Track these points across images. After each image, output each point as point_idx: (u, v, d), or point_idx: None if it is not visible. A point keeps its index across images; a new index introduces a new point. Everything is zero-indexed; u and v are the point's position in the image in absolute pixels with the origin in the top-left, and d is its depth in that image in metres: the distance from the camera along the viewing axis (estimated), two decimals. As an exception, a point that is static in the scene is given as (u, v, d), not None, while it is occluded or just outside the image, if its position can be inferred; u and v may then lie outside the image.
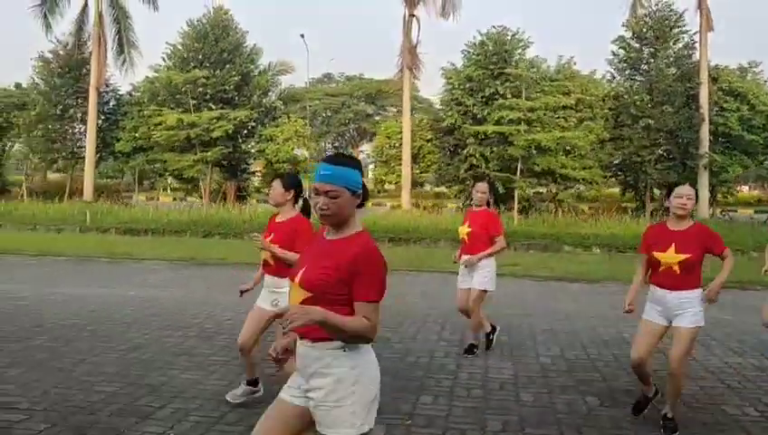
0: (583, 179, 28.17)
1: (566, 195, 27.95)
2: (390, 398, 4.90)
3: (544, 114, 24.86)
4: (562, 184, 28.01)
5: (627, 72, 29.27)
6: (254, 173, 35.73)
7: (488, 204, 6.72)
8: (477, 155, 26.99)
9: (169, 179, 39.26)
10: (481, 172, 26.65)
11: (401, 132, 32.01)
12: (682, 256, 4.31)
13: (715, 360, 6.54)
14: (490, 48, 27.89)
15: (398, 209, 27.63)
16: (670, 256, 4.33)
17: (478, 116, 27.42)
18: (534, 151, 23.36)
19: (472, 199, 7.28)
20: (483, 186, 6.74)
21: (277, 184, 4.73)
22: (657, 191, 28.13)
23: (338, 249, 2.55)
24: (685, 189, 4.46)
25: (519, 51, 28.75)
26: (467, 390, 5.40)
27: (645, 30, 28.37)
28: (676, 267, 4.33)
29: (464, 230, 6.63)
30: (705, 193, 27.58)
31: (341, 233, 2.61)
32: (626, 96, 28.35)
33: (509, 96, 26.60)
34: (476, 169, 27.02)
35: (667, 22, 28.37)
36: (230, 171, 32.40)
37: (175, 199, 36.81)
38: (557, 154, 24.29)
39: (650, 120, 26.63)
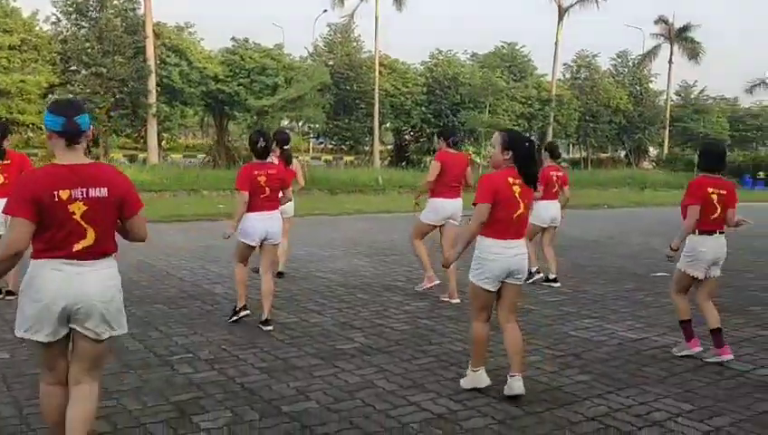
0: (33, 124, 27.34)
1: (17, 140, 26.60)
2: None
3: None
4: (12, 130, 26.45)
5: (74, 17, 29.07)
6: None
7: None
8: None
9: None
10: None
11: None
12: None
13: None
14: None
15: None
16: None
17: None
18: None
19: None
20: None
21: None
22: (116, 137, 29.10)
23: None
24: None
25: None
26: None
27: (90, -23, 28.58)
28: None
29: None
30: (154, 140, 30.06)
31: None
32: (74, 41, 28.32)
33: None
34: None
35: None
36: None
37: None
38: (14, 98, 23.01)
39: (102, 69, 27.43)
